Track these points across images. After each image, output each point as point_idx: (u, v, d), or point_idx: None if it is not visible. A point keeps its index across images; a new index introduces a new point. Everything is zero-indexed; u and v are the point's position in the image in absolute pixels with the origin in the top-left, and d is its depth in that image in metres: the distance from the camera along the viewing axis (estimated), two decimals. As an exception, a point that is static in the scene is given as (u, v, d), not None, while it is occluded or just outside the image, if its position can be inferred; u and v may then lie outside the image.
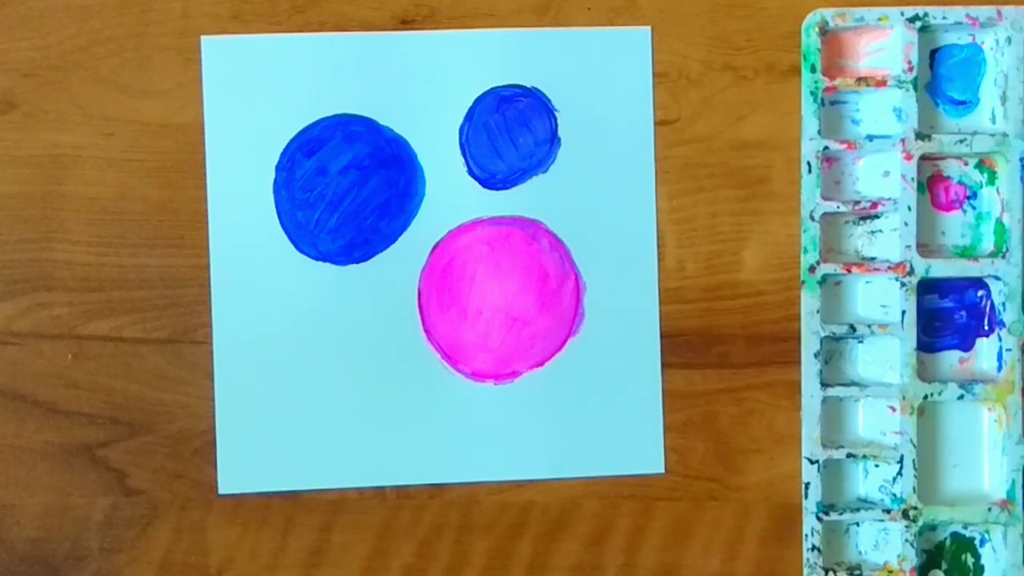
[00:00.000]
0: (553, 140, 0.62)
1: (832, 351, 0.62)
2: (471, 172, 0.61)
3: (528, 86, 0.61)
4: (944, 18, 0.60)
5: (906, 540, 0.60)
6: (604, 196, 0.62)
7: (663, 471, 0.62)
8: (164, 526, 0.60)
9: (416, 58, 0.61)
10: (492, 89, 0.61)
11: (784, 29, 0.61)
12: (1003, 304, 0.61)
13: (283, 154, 0.61)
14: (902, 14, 0.60)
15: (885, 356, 0.61)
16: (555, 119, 0.61)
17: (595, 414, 0.62)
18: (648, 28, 0.61)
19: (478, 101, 0.61)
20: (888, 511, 0.61)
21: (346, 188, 0.61)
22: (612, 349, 0.62)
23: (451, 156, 0.61)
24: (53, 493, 0.61)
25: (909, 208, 0.60)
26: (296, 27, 0.61)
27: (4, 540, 0.60)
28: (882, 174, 0.61)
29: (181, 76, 0.60)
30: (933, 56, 0.62)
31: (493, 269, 0.61)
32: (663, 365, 0.62)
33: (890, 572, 0.61)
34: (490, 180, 0.62)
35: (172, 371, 0.61)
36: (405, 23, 0.61)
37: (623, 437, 0.62)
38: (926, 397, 0.60)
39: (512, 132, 0.61)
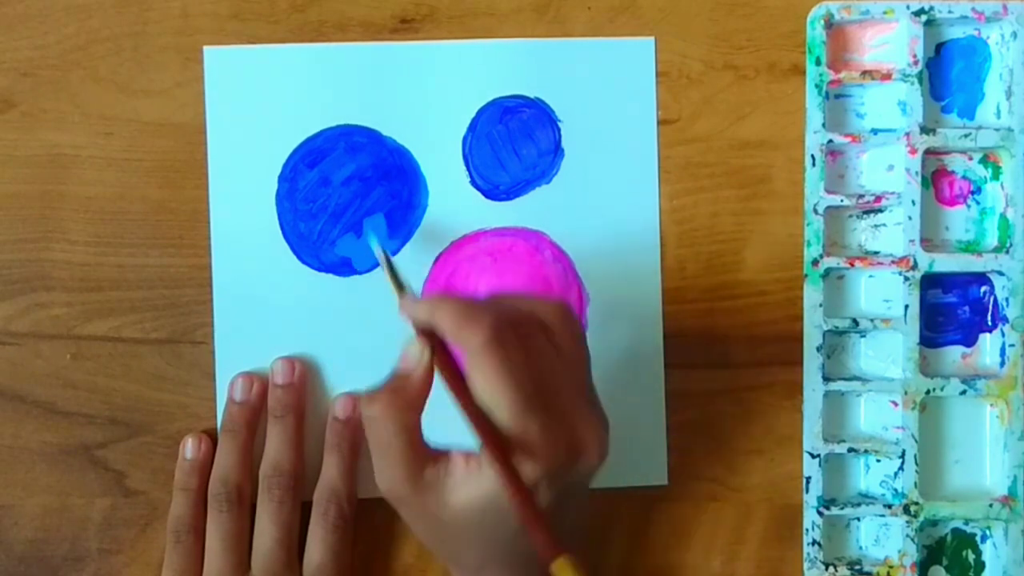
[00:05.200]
0: (556, 151, 0.63)
1: (834, 345, 0.65)
2: (474, 183, 0.63)
3: (531, 96, 0.63)
4: (950, 12, 0.63)
5: (907, 535, 0.63)
6: (608, 207, 0.63)
7: (667, 483, 0.64)
8: (163, 527, 0.62)
9: (419, 68, 0.63)
10: (495, 100, 0.63)
11: (785, 28, 0.64)
12: (1006, 299, 0.64)
13: (286, 165, 0.63)
14: (908, 8, 0.63)
15: (888, 351, 0.64)
16: (558, 130, 0.63)
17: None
18: (652, 39, 0.63)
19: (481, 112, 0.63)
20: (889, 506, 0.63)
21: (349, 199, 0.63)
22: (615, 361, 0.64)
23: (454, 167, 0.63)
24: (52, 494, 0.63)
25: (913, 202, 0.63)
26: (295, 26, 0.63)
27: (3, 541, 0.63)
28: (886, 168, 0.64)
29: (180, 75, 0.62)
30: (938, 50, 0.65)
31: (496, 280, 0.63)
32: (663, 366, 0.64)
33: (891, 567, 0.64)
34: (493, 191, 0.64)
35: (171, 371, 0.63)
36: (405, 22, 0.63)
37: (627, 448, 0.63)
38: (928, 392, 0.63)
39: (515, 143, 0.63)
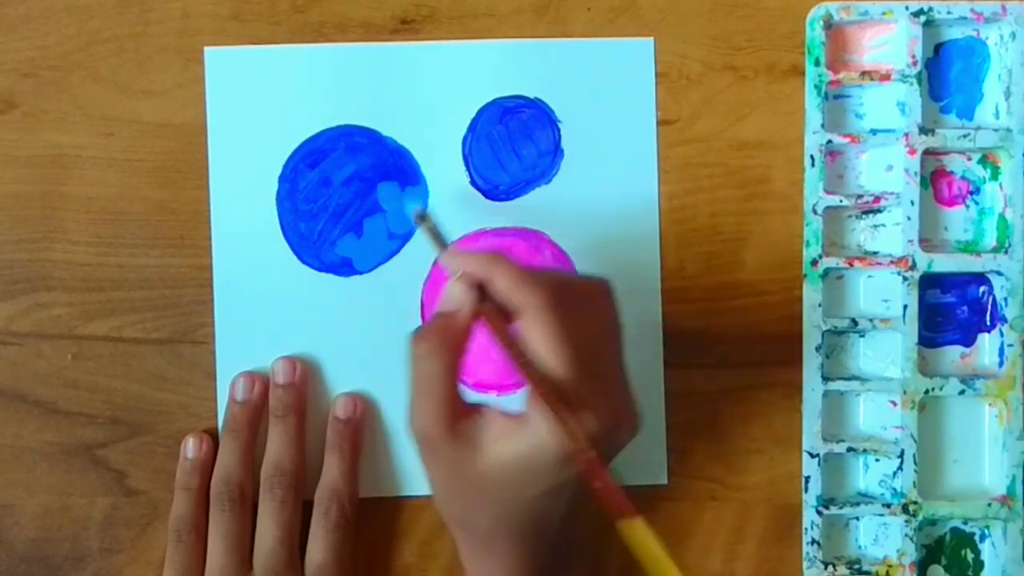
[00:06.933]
0: (556, 151, 0.64)
1: (833, 345, 0.65)
2: (474, 183, 0.64)
3: (531, 97, 0.64)
4: (948, 13, 0.63)
5: (906, 535, 0.64)
6: (607, 207, 0.64)
7: (666, 482, 0.65)
8: (164, 526, 0.62)
9: (419, 69, 0.63)
10: (495, 100, 0.63)
11: (784, 29, 0.64)
12: (1005, 299, 0.64)
13: (286, 165, 0.63)
14: (907, 8, 0.63)
15: (886, 350, 0.65)
16: (558, 130, 0.64)
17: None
18: (651, 39, 0.64)
19: (481, 112, 0.63)
20: (888, 506, 0.64)
21: (349, 199, 0.64)
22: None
23: (454, 167, 0.64)
24: (53, 493, 0.63)
25: (912, 203, 0.63)
26: (296, 27, 0.63)
27: (4, 540, 0.63)
28: (885, 168, 0.64)
29: (180, 76, 0.63)
30: (937, 51, 0.65)
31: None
32: (663, 366, 0.64)
33: (890, 567, 0.64)
34: (493, 191, 0.64)
35: (172, 371, 0.63)
36: (405, 23, 0.63)
37: (627, 448, 0.60)
38: (927, 392, 0.64)
39: (515, 143, 0.64)
